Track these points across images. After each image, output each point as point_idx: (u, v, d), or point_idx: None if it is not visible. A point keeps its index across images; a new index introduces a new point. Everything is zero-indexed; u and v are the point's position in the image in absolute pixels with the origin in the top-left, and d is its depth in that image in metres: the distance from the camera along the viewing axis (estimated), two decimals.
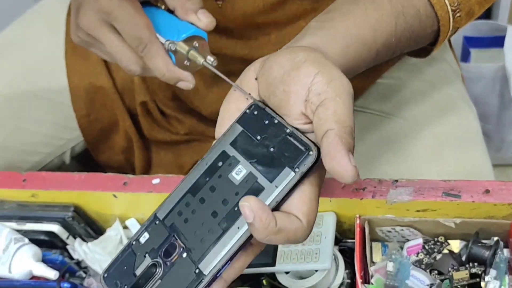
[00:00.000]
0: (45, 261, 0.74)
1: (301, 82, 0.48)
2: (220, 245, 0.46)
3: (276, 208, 0.46)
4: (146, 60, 0.61)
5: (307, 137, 0.47)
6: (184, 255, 0.48)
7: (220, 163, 0.49)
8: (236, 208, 0.46)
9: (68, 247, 0.77)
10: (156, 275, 0.48)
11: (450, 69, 0.89)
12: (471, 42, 1.48)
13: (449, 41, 0.93)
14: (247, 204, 0.44)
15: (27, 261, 0.72)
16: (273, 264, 0.68)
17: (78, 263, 0.76)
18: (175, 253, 0.48)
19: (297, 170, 0.46)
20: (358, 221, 0.67)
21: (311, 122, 0.48)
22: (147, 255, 0.50)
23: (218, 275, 0.47)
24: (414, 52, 0.69)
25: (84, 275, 0.76)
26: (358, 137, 0.82)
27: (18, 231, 0.75)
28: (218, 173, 0.49)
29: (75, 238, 0.77)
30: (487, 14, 1.58)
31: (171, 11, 0.64)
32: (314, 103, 0.47)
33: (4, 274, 0.73)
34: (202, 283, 0.46)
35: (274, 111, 0.49)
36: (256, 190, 0.47)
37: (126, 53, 0.62)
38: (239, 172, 0.48)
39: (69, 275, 0.76)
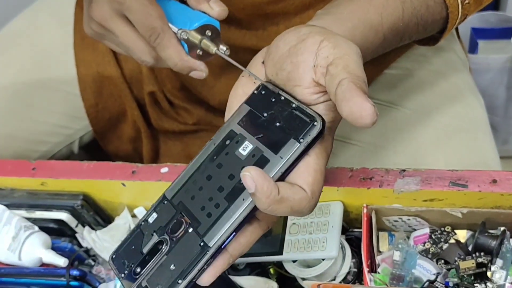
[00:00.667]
0: (54, 248, 0.75)
1: (308, 50, 0.49)
2: (225, 217, 0.47)
3: (281, 179, 0.47)
4: (159, 50, 0.61)
5: (312, 109, 0.48)
6: (190, 230, 0.48)
7: (227, 142, 0.50)
8: (241, 182, 0.46)
9: (77, 235, 0.78)
10: (162, 251, 0.49)
11: (458, 59, 0.89)
12: (478, 33, 1.48)
13: (457, 31, 0.93)
14: (248, 174, 0.44)
15: (37, 249, 0.73)
16: (280, 252, 0.69)
17: (87, 251, 0.77)
18: (181, 229, 0.49)
19: (302, 140, 0.46)
20: (365, 211, 0.67)
21: (322, 92, 0.48)
22: (154, 233, 0.51)
23: (222, 247, 0.47)
24: (423, 41, 0.69)
25: (92, 263, 0.77)
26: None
27: (28, 219, 0.76)
28: (225, 151, 0.50)
29: (84, 226, 0.78)
30: (495, 6, 1.57)
31: (183, 1, 0.64)
32: (323, 65, 0.47)
33: (14, 261, 0.73)
34: (207, 255, 0.47)
35: (281, 89, 0.50)
36: (261, 163, 0.47)
37: (139, 44, 0.61)
38: (246, 148, 0.49)
39: (78, 262, 0.76)
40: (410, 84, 0.85)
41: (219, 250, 0.47)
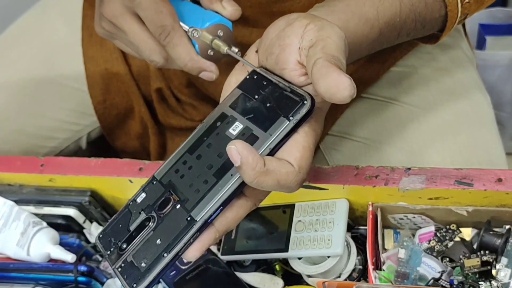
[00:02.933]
0: (62, 244, 0.75)
1: (294, 33, 0.50)
2: (213, 192, 0.48)
3: (271, 155, 0.48)
4: (169, 49, 0.60)
5: (302, 89, 0.49)
6: (178, 206, 0.49)
7: (218, 123, 0.51)
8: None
9: (84, 231, 0.79)
10: (149, 227, 0.50)
11: (464, 56, 0.89)
12: (486, 29, 1.47)
13: (464, 28, 0.92)
14: (233, 147, 0.45)
15: (45, 244, 0.74)
16: (286, 250, 0.69)
17: (95, 246, 0.78)
18: (169, 205, 0.50)
19: (291, 118, 0.47)
20: (370, 208, 0.68)
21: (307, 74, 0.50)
22: (142, 211, 0.51)
23: (209, 221, 0.48)
24: (424, 39, 0.69)
25: (100, 258, 0.77)
26: (371, 124, 0.83)
27: (36, 215, 0.77)
28: (216, 131, 0.51)
29: (91, 222, 0.79)
30: (503, 2, 1.56)
31: (195, 1, 0.63)
32: (307, 47, 0.49)
33: (23, 257, 0.74)
34: (193, 229, 0.47)
35: (272, 73, 0.52)
36: (251, 140, 0.48)
37: (149, 42, 0.60)
38: (236, 128, 0.50)
39: (85, 258, 0.77)
40: (415, 81, 0.85)
41: (206, 224, 0.48)
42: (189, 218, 0.48)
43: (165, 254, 0.47)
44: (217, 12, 0.61)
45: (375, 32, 0.59)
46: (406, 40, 0.65)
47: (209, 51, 0.60)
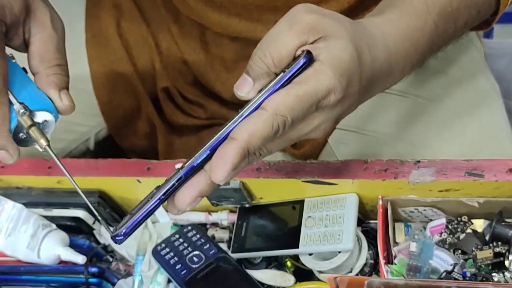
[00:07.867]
0: (72, 246, 0.75)
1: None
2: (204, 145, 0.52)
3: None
4: None
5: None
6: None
7: None
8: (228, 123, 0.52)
9: (94, 232, 0.79)
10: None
11: (472, 46, 0.88)
12: None
13: None
14: None
15: (55, 247, 0.74)
16: (296, 246, 0.69)
17: (105, 247, 0.78)
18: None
19: (286, 70, 0.52)
20: (380, 202, 0.67)
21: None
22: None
23: (195, 165, 0.50)
24: (476, 26, 0.69)
25: (111, 259, 0.77)
26: (379, 117, 0.83)
27: (45, 217, 0.77)
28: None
29: (100, 223, 0.79)
30: None
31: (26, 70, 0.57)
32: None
33: (33, 259, 0.74)
34: (179, 173, 0.50)
35: None
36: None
37: None
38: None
39: (96, 259, 0.77)
40: (423, 73, 0.84)
41: (193, 168, 0.50)
42: (180, 169, 0.51)
43: (150, 200, 0.50)
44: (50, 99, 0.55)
45: (429, 25, 0.59)
46: (466, 31, 0.64)
47: (22, 134, 0.54)
